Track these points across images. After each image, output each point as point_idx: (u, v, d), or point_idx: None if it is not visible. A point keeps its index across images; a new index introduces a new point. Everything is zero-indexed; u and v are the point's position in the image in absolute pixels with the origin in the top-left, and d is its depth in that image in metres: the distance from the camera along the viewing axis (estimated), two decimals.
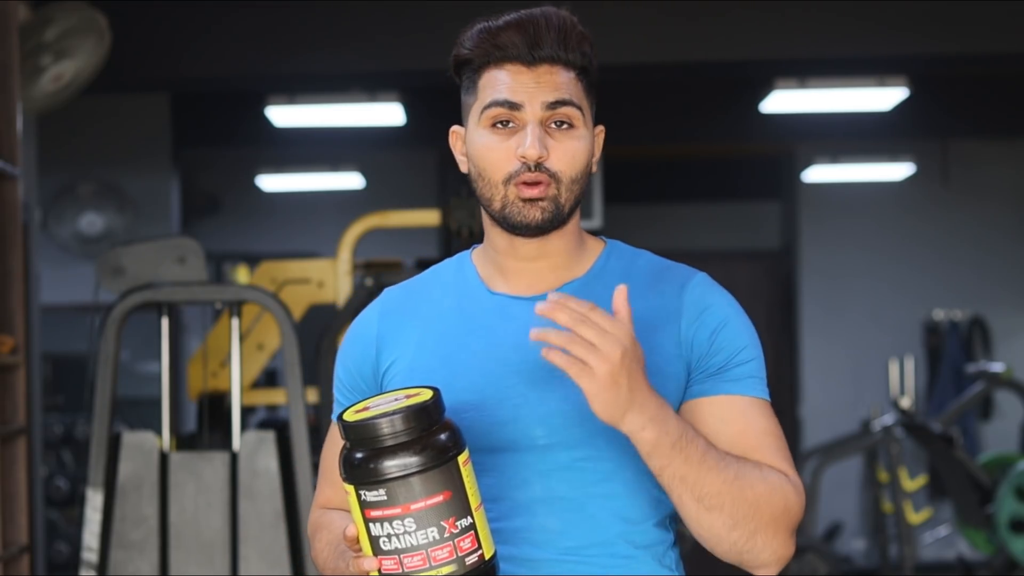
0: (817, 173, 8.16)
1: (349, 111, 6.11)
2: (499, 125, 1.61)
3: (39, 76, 4.45)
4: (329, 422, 1.78)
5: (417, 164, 8.30)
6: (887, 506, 7.16)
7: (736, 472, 1.53)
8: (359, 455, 1.45)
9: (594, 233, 1.76)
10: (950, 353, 8.31)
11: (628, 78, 6.58)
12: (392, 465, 1.42)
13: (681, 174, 8.84)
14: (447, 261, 1.75)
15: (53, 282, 6.51)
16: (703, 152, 8.73)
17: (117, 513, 3.60)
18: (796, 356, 8.59)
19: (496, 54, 1.61)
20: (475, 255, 1.72)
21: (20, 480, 3.90)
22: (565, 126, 1.61)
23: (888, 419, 7.18)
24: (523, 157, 1.59)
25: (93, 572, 3.57)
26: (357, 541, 1.48)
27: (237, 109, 7.02)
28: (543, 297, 1.63)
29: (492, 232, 1.67)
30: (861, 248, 8.50)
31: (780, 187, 8.80)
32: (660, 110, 7.18)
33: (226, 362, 4.77)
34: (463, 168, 1.68)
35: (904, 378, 8.43)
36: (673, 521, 1.67)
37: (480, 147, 1.62)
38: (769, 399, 1.64)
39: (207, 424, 4.18)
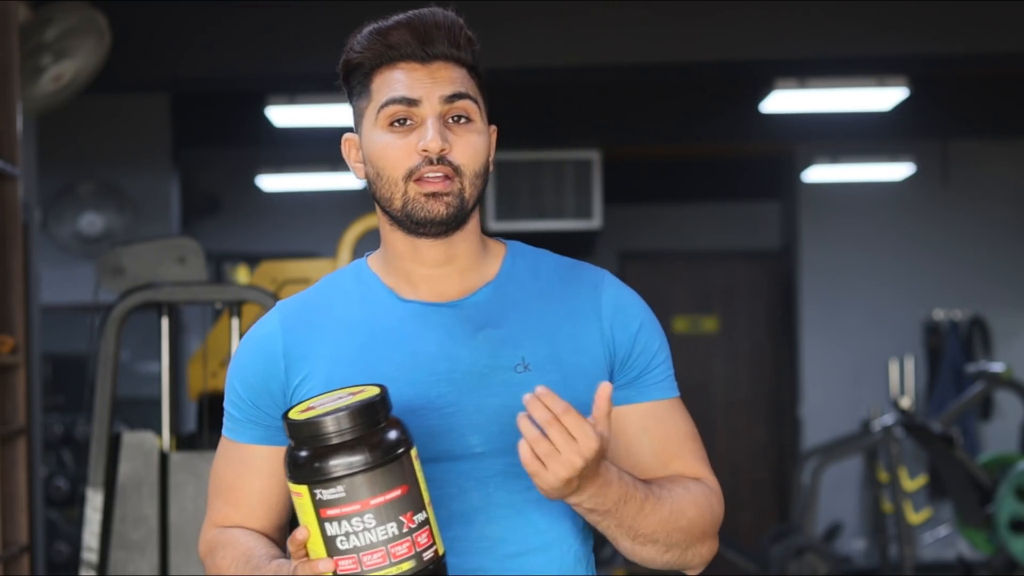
0: (817, 173, 8.16)
1: (349, 111, 6.10)
2: (396, 124, 1.60)
3: (39, 76, 4.45)
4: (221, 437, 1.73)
5: None
6: (887, 506, 7.16)
7: (670, 508, 1.57)
8: (311, 453, 1.42)
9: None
10: (950, 353, 8.30)
11: (628, 78, 6.59)
12: (350, 461, 1.40)
13: (681, 174, 8.84)
14: (341, 270, 1.71)
15: (53, 282, 6.51)
16: (703, 152, 8.72)
17: (117, 513, 3.60)
18: (796, 356, 8.59)
19: (389, 54, 1.60)
20: (372, 262, 1.69)
21: (20, 480, 3.90)
22: (463, 120, 1.60)
23: (888, 419, 7.18)
24: (425, 150, 1.57)
25: (93, 572, 3.57)
26: (304, 546, 1.44)
27: (237, 109, 7.02)
28: (459, 303, 1.63)
29: (392, 237, 1.64)
30: (861, 248, 8.50)
31: (780, 187, 8.80)
32: (660, 110, 7.18)
33: (226, 362, 4.77)
34: (359, 176, 1.66)
35: (904, 378, 8.43)
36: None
37: (378, 147, 1.60)
38: (679, 393, 1.68)
39: (207, 424, 4.18)
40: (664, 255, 8.88)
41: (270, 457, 1.66)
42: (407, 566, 1.41)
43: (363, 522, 1.40)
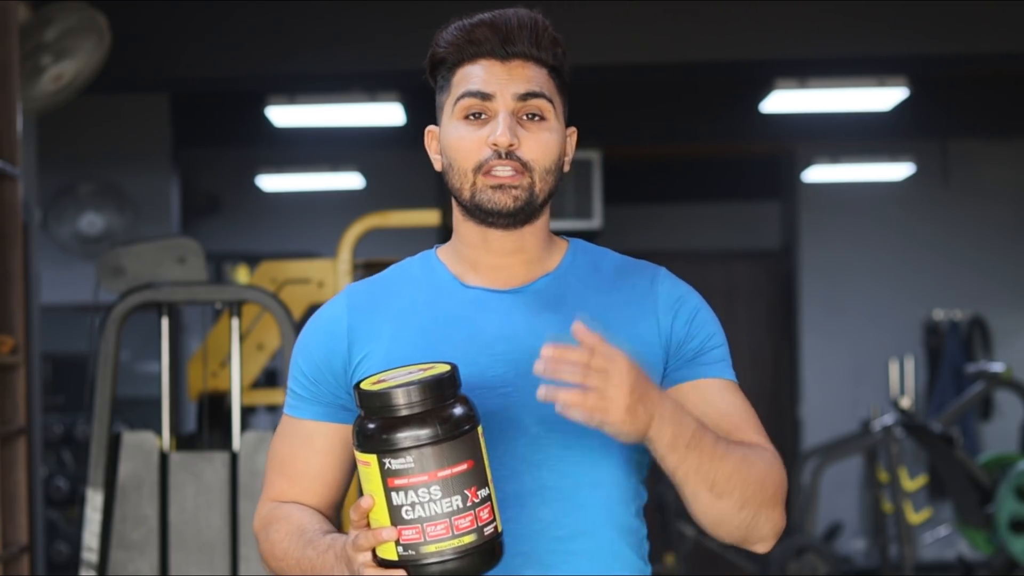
0: (817, 173, 8.16)
1: (349, 111, 6.11)
2: (471, 117, 1.64)
3: (39, 76, 4.45)
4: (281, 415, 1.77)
5: (417, 164, 8.29)
6: (887, 506, 7.16)
7: (741, 456, 1.59)
8: (380, 424, 1.46)
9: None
10: (950, 353, 8.30)
11: (628, 78, 6.59)
12: (420, 433, 1.44)
13: (681, 174, 8.84)
14: (410, 259, 1.77)
15: (53, 282, 6.50)
16: (703, 152, 8.72)
17: (117, 513, 3.60)
18: (796, 356, 8.59)
19: (470, 50, 1.65)
20: (441, 252, 1.75)
21: (20, 480, 3.90)
22: (537, 118, 1.65)
23: (888, 419, 7.17)
24: (494, 144, 1.62)
25: (93, 572, 3.57)
26: (367, 515, 1.48)
27: (237, 109, 7.02)
28: (520, 291, 1.68)
29: (463, 227, 1.69)
30: (861, 248, 8.50)
31: (780, 187, 8.80)
32: (660, 110, 7.18)
33: (226, 362, 4.77)
34: (437, 167, 1.71)
35: (904, 378, 8.43)
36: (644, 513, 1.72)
37: (452, 138, 1.65)
38: (737, 380, 1.72)
39: (207, 424, 4.18)
40: (664, 255, 8.87)
41: (329, 434, 1.71)
42: (468, 539, 1.45)
43: (429, 493, 1.44)
